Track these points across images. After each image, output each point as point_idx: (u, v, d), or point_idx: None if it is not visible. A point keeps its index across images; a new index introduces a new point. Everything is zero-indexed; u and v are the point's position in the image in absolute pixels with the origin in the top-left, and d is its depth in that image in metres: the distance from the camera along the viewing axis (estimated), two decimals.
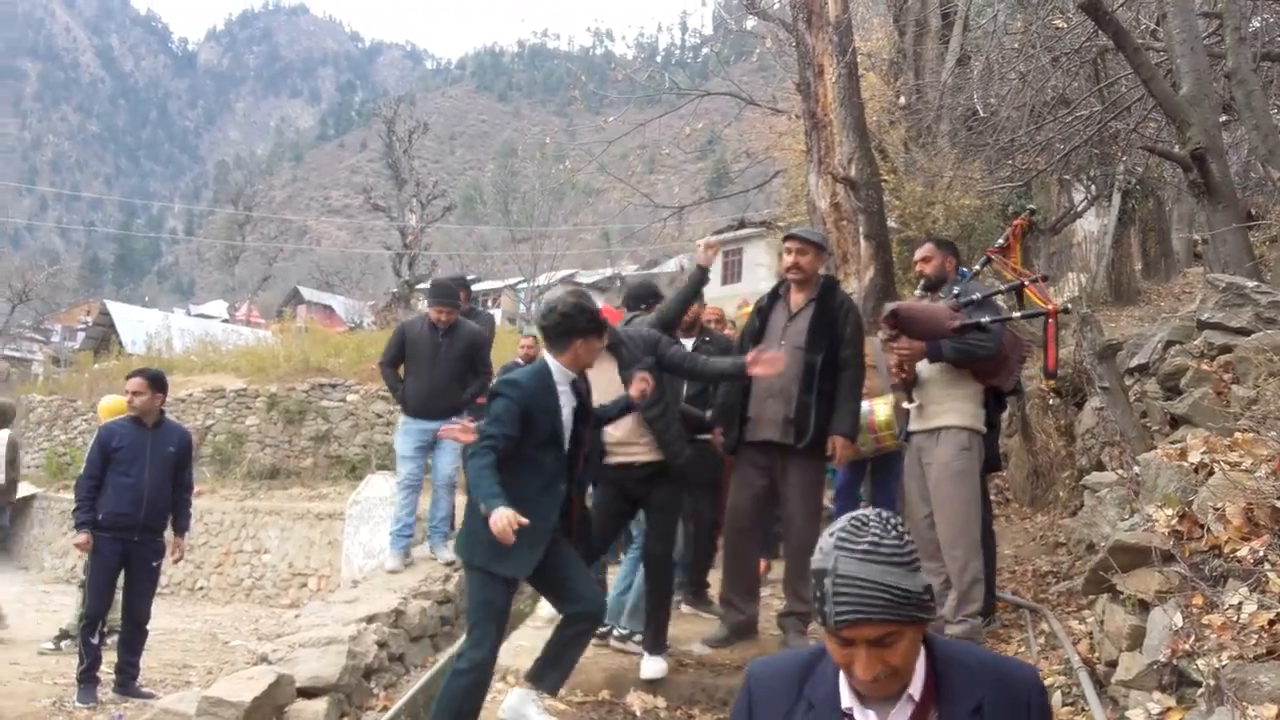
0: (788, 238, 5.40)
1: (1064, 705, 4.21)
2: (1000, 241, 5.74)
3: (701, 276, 5.57)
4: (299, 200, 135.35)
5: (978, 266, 5.89)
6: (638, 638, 5.30)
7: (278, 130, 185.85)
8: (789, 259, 5.31)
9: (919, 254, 5.65)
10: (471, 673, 4.10)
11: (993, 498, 6.65)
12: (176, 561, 7.42)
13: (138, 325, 35.73)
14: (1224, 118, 9.83)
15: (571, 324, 4.35)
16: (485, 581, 4.16)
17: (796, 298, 5.32)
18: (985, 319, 5.06)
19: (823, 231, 6.16)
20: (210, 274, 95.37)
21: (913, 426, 5.36)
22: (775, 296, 5.45)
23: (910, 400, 5.37)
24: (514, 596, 4.44)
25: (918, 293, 5.84)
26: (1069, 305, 5.56)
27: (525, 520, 3.82)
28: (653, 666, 4.89)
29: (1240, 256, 7.45)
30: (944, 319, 5.09)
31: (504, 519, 3.76)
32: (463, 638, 4.35)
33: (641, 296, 6.01)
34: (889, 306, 5.20)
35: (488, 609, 4.17)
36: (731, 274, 35.78)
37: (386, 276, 47.83)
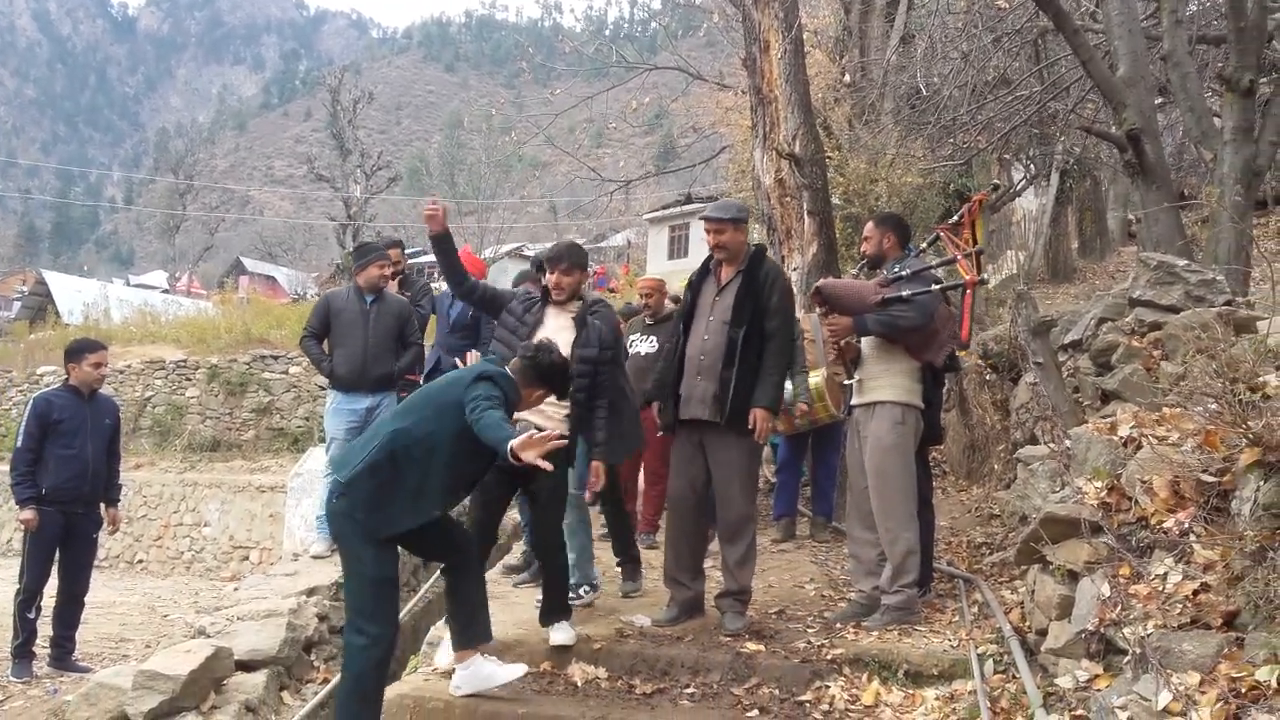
0: (702, 218, 5.37)
1: (996, 673, 4.30)
2: (955, 219, 5.77)
3: (435, 245, 5.35)
4: (241, 169, 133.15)
5: (924, 245, 5.94)
6: (584, 590, 5.44)
7: (220, 98, 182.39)
8: (710, 240, 5.31)
9: (864, 233, 5.69)
10: (376, 647, 4.10)
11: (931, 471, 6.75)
12: (113, 533, 7.35)
13: (75, 295, 35.03)
14: (1159, 100, 10.02)
15: (560, 380, 4.51)
16: (375, 558, 4.13)
17: (726, 270, 5.29)
18: (908, 292, 5.14)
19: (740, 201, 6.13)
20: (150, 244, 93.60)
21: (853, 401, 5.44)
22: (706, 271, 5.42)
23: (850, 377, 5.43)
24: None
25: (854, 271, 5.91)
26: (986, 277, 5.65)
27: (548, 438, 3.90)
28: (562, 634, 4.87)
29: (1172, 235, 7.61)
30: (867, 294, 5.19)
31: (531, 439, 3.84)
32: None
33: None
34: (815, 285, 5.29)
35: (382, 584, 4.17)
36: (678, 249, 35.79)
37: (330, 248, 47.31)
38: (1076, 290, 13.55)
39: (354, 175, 40.42)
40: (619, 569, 6.13)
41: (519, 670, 4.46)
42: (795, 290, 8.47)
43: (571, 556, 5.39)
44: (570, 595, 5.29)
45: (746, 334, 5.08)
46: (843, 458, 6.96)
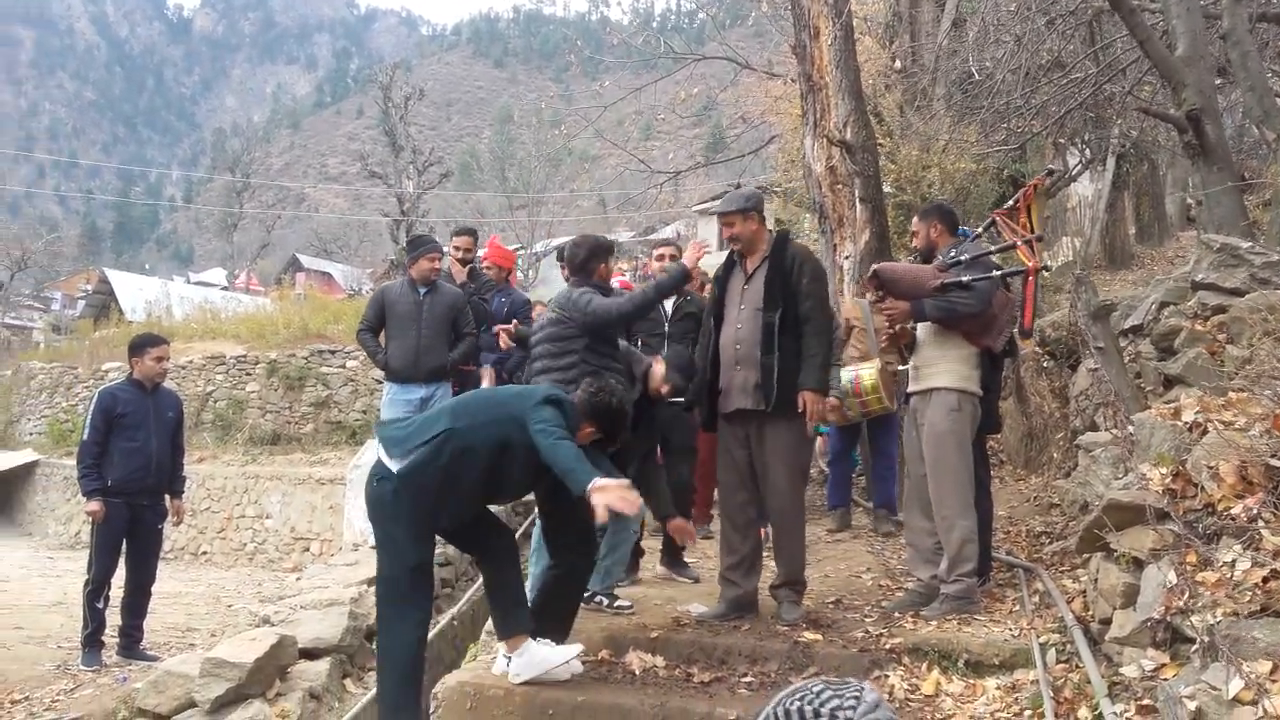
0: (718, 215, 5.32)
1: (1058, 662, 4.25)
2: (1010, 204, 5.71)
3: (683, 277, 5.33)
4: (296, 167, 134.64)
5: (979, 229, 5.88)
6: (599, 597, 5.34)
7: (274, 97, 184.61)
8: (726, 231, 5.27)
9: (911, 228, 5.69)
10: (417, 629, 4.19)
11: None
12: (177, 524, 7.49)
13: (137, 293, 35.67)
14: (1219, 80, 9.80)
15: (612, 426, 4.45)
16: (415, 547, 4.20)
17: (750, 261, 5.26)
18: (968, 277, 5.08)
19: (750, 189, 6.06)
20: (209, 241, 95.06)
21: (910, 388, 5.39)
22: (731, 264, 5.37)
23: (905, 362, 5.39)
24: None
25: (911, 258, 5.88)
26: (1049, 264, 5.60)
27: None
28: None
29: (1234, 217, 7.44)
30: (926, 278, 5.13)
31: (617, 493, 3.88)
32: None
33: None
34: (872, 267, 5.22)
35: (421, 570, 4.25)
36: None
37: (384, 243, 47.57)
38: (1134, 276, 13.33)
39: (406, 171, 40.64)
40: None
41: (574, 649, 4.46)
42: (847, 278, 8.44)
43: (606, 562, 5.40)
44: (600, 598, 5.34)
45: (782, 318, 5.03)
46: (901, 446, 6.91)
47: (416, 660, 4.22)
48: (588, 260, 5.36)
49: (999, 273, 5.21)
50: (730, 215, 5.22)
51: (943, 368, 5.19)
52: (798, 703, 1.46)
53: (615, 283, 7.91)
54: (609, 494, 3.85)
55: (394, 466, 4.15)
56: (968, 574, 5.03)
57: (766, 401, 5.01)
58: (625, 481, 3.99)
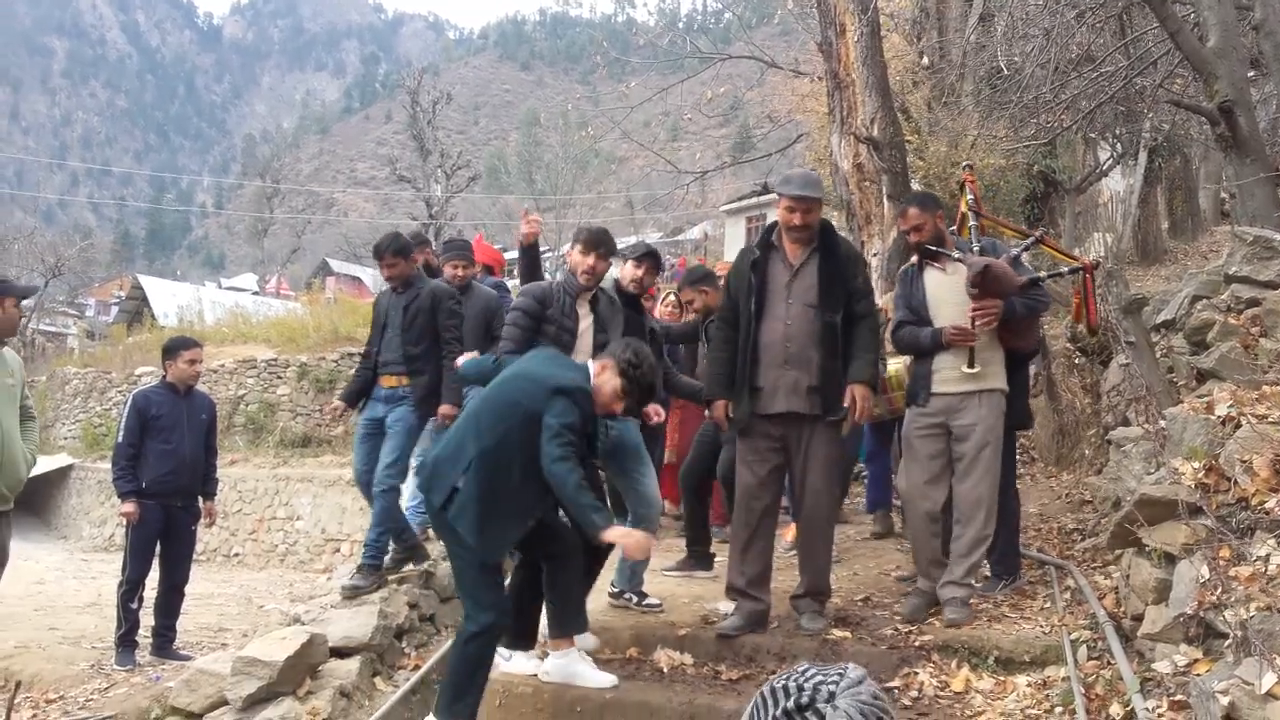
0: (789, 197, 4.79)
1: (1090, 659, 4.22)
2: (970, 198, 5.51)
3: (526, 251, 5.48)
4: (326, 173, 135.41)
5: (973, 221, 5.61)
6: (627, 595, 5.38)
7: (303, 103, 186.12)
8: (796, 220, 4.78)
9: (908, 223, 5.19)
10: (488, 634, 4.15)
11: (1018, 457, 6.62)
12: (209, 526, 7.54)
13: (170, 298, 35.94)
14: (1252, 72, 9.69)
15: (645, 395, 4.41)
16: (476, 552, 4.17)
17: (794, 249, 4.84)
18: (1042, 274, 5.03)
19: (818, 174, 5.58)
20: (240, 247, 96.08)
21: (954, 389, 4.97)
22: (768, 247, 4.92)
23: (972, 366, 4.93)
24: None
25: (886, 255, 5.75)
26: (1100, 260, 5.52)
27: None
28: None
29: (1268, 209, 7.34)
30: (1014, 277, 4.86)
31: (635, 538, 3.99)
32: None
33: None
34: (980, 262, 4.77)
35: (489, 572, 4.23)
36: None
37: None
38: (1167, 271, 13.18)
39: (434, 175, 40.85)
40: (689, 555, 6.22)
41: (608, 680, 4.46)
42: (875, 275, 8.40)
43: (629, 561, 5.35)
44: (629, 596, 5.36)
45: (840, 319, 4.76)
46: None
47: (486, 663, 4.22)
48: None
49: (1066, 270, 5.18)
50: (812, 202, 4.78)
51: (995, 369, 4.97)
52: (784, 681, 1.49)
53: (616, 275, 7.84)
54: (621, 540, 4.02)
55: (438, 500, 4.16)
56: (976, 578, 4.98)
57: (824, 406, 4.74)
58: (637, 533, 4.10)
